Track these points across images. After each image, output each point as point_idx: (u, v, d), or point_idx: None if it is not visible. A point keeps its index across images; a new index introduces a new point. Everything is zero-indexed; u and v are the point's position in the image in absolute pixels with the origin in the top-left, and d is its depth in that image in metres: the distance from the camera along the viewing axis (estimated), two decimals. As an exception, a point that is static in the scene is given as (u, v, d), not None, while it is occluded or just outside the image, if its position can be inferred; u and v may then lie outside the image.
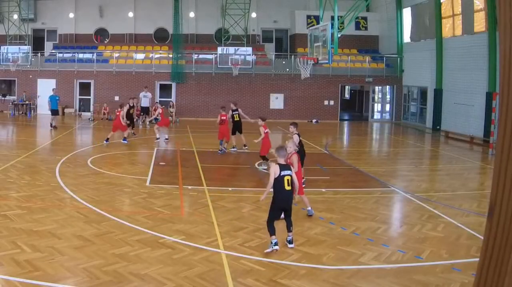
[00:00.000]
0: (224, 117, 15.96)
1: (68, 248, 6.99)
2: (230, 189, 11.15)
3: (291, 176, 7.28)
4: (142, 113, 24.24)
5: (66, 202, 9.63)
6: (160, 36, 32.11)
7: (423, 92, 27.38)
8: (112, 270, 6.31)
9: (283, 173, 7.20)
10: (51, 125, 21.51)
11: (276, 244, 7.09)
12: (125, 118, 17.32)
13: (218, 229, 8.15)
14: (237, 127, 16.50)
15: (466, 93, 22.58)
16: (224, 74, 28.04)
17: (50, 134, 20.15)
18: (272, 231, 7.15)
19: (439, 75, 24.92)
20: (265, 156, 13.43)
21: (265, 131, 13.50)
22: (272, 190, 7.31)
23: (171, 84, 28.46)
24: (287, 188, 7.20)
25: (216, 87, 28.02)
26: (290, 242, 7.35)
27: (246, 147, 16.27)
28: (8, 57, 27.17)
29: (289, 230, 7.36)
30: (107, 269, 6.31)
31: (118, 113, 17.31)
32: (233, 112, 16.55)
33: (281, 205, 7.25)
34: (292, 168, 7.61)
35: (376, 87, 30.78)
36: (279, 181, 7.18)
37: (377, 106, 31.56)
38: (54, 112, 21.83)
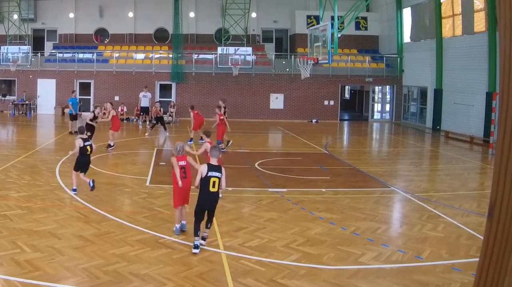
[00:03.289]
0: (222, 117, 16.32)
1: (68, 248, 6.99)
2: (230, 189, 11.11)
3: (218, 178, 7.07)
4: (142, 113, 24.23)
5: (66, 202, 9.64)
6: (160, 36, 32.09)
7: (423, 92, 27.37)
8: (112, 270, 6.31)
9: (210, 173, 7.04)
10: (70, 132, 19.23)
11: (196, 247, 7.00)
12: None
13: (218, 229, 8.15)
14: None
15: (466, 93, 22.57)
16: (224, 74, 28.03)
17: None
18: (196, 232, 7.03)
19: (439, 75, 24.92)
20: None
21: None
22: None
23: (171, 84, 28.46)
24: (212, 189, 7.04)
25: (216, 87, 28.00)
26: (204, 238, 7.23)
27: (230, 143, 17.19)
28: (8, 57, 27.16)
29: (206, 227, 7.25)
30: (107, 269, 6.31)
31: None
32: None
33: (204, 207, 7.13)
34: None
35: (376, 87, 30.76)
36: (205, 181, 7.02)
37: (377, 106, 31.53)
38: (72, 117, 19.63)
